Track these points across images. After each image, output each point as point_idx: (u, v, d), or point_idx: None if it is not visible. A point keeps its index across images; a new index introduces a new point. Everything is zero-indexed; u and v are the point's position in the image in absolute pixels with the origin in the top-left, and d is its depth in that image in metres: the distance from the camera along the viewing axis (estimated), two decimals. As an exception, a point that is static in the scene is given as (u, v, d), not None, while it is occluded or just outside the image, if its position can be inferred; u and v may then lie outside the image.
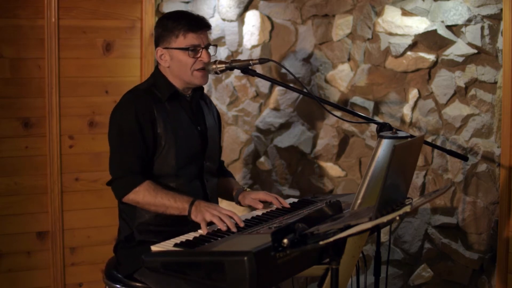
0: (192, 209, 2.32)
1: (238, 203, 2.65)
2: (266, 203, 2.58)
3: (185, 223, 2.36)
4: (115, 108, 2.52)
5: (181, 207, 2.34)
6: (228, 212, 2.27)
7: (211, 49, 2.54)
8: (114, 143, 2.48)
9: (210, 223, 2.27)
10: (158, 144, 2.46)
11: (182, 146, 2.50)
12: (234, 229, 2.21)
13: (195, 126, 2.57)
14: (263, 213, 2.44)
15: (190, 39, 2.47)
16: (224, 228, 2.21)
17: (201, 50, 2.49)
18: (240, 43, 3.81)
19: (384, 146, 2.23)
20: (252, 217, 2.37)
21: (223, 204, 3.82)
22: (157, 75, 2.57)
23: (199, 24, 2.50)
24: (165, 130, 2.46)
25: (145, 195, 2.38)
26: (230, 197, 2.71)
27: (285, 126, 3.69)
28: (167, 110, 2.49)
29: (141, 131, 2.43)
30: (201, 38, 2.50)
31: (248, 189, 2.65)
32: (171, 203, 2.36)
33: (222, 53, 3.90)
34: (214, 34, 3.87)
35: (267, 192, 2.59)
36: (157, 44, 2.54)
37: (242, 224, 2.24)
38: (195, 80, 2.53)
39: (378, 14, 3.17)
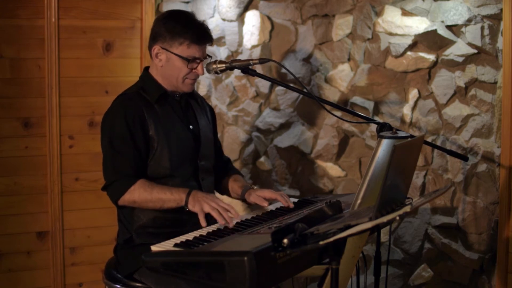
0: (190, 199, 2.32)
1: (244, 200, 2.64)
2: (271, 201, 2.58)
3: (184, 224, 2.36)
4: (105, 114, 2.51)
5: (178, 198, 2.34)
6: (225, 205, 2.27)
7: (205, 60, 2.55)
8: (106, 148, 2.47)
9: (207, 218, 2.27)
10: (150, 146, 2.46)
11: (175, 147, 2.49)
12: (231, 224, 2.20)
13: (187, 126, 2.57)
14: (263, 213, 2.44)
15: (193, 50, 2.47)
16: (222, 222, 2.21)
17: (198, 63, 2.49)
18: (240, 43, 3.81)
19: (384, 146, 2.23)
20: (252, 217, 2.37)
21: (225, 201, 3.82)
22: (146, 78, 2.57)
23: (204, 38, 2.50)
24: (156, 132, 2.46)
25: (141, 193, 2.38)
26: (236, 195, 2.70)
27: (285, 126, 3.69)
28: (157, 112, 2.49)
29: (132, 135, 2.43)
30: (202, 51, 2.50)
31: (254, 187, 2.65)
32: (168, 196, 2.36)
33: (222, 53, 3.90)
34: (214, 34, 3.86)
35: (272, 190, 2.59)
36: (155, 41, 2.51)
37: (237, 216, 2.23)
38: (183, 87, 2.53)
39: (378, 14, 3.17)
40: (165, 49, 2.48)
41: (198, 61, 2.49)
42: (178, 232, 2.25)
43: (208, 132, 2.67)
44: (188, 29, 2.46)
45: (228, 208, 2.26)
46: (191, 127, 2.58)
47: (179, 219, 2.37)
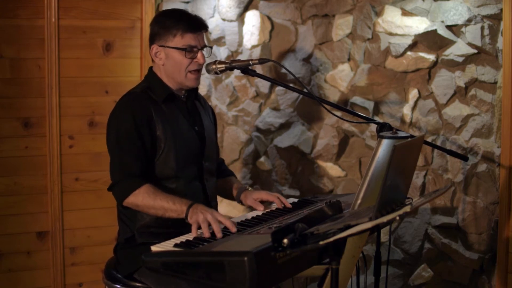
0: (190, 211, 2.30)
1: (240, 202, 2.64)
2: (268, 203, 2.58)
3: (186, 225, 2.36)
4: (112, 113, 2.51)
5: (180, 209, 2.33)
6: (221, 218, 2.25)
7: (206, 51, 2.53)
8: (113, 147, 2.47)
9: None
10: (157, 146, 2.46)
11: (182, 147, 2.49)
12: (219, 235, 2.15)
13: (193, 127, 2.57)
14: (263, 213, 2.44)
15: (187, 39, 2.47)
16: (207, 235, 2.16)
17: (197, 51, 2.49)
18: (240, 43, 3.81)
19: (384, 146, 2.23)
20: (252, 217, 2.37)
21: (224, 203, 3.82)
22: (151, 77, 2.56)
23: (198, 25, 2.49)
24: (164, 132, 2.45)
25: (144, 198, 2.37)
26: (231, 197, 2.70)
27: (285, 126, 3.69)
28: (165, 112, 2.49)
29: (139, 133, 2.42)
30: (198, 39, 2.49)
31: (250, 188, 2.64)
32: (170, 206, 2.35)
33: (222, 53, 3.90)
34: (214, 34, 3.87)
35: (268, 192, 2.59)
36: (152, 41, 2.52)
37: (234, 230, 2.18)
38: (187, 82, 2.52)
39: (378, 14, 3.17)
40: (162, 46, 2.48)
41: (195, 49, 2.48)
42: (180, 233, 2.25)
43: (211, 134, 2.68)
44: (179, 20, 2.46)
45: (223, 220, 2.21)
46: (196, 128, 2.58)
47: (182, 220, 2.36)
